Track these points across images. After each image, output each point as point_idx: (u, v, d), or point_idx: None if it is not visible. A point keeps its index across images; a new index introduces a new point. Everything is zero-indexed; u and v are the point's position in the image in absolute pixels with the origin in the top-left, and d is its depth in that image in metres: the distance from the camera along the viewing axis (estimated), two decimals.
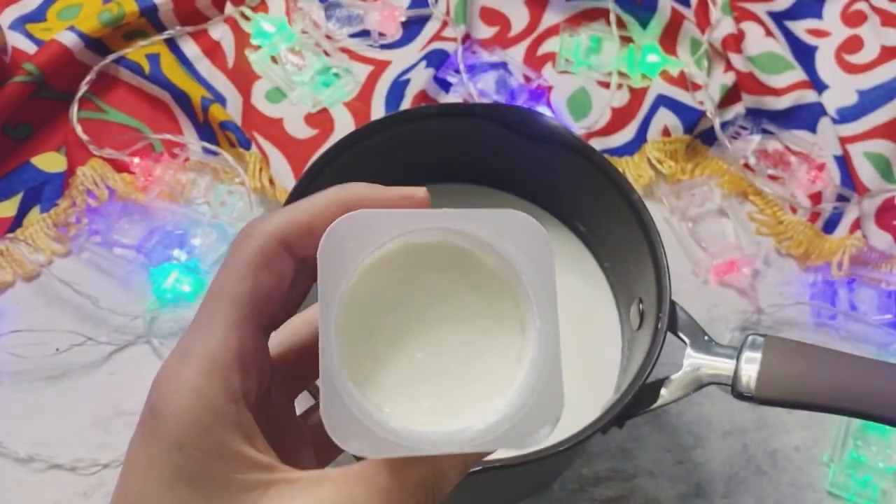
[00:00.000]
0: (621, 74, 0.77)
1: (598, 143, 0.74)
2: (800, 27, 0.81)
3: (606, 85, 0.77)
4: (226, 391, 0.28)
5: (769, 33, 0.78)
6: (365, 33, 0.78)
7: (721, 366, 0.54)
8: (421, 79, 0.75)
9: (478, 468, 0.49)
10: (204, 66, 0.77)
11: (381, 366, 0.30)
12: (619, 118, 0.76)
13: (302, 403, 0.35)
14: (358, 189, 0.31)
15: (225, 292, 0.30)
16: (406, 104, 0.74)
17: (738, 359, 0.54)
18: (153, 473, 0.28)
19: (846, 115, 0.77)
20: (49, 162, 0.73)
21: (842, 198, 0.73)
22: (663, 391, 0.55)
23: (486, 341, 0.31)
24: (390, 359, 0.30)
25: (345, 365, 0.28)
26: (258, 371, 0.30)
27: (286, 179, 0.71)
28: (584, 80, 0.77)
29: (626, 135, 0.75)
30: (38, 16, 0.78)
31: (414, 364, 0.31)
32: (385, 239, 0.29)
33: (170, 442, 0.28)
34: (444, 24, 0.78)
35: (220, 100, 0.74)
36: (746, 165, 0.74)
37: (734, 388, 0.54)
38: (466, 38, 0.77)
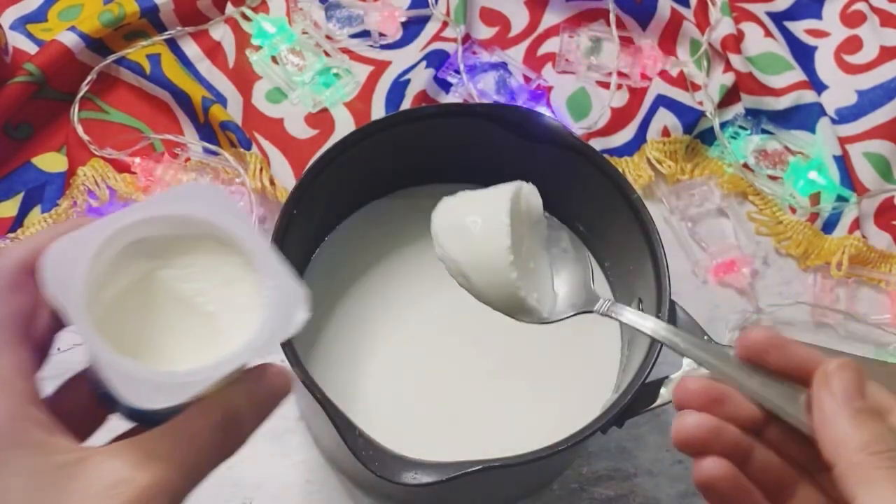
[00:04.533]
0: (621, 74, 0.77)
1: (597, 144, 0.74)
2: (799, 27, 0.81)
3: (606, 85, 0.77)
4: (16, 398, 0.33)
5: (768, 34, 0.78)
6: (365, 34, 0.79)
7: None
8: (421, 79, 0.75)
9: (478, 468, 0.49)
10: (205, 66, 0.77)
11: (150, 337, 0.36)
12: (619, 118, 0.76)
13: None
14: (77, 221, 0.36)
15: None
16: (406, 104, 0.74)
17: None
18: None
19: (845, 116, 0.77)
20: (50, 162, 0.73)
21: (841, 198, 0.73)
22: (663, 390, 0.55)
23: (229, 290, 0.37)
24: (156, 330, 0.36)
25: (115, 347, 0.33)
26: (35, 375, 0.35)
27: (287, 179, 0.71)
28: (583, 81, 0.77)
29: (625, 135, 0.75)
30: (38, 16, 0.78)
31: (175, 327, 0.37)
32: (95, 243, 0.34)
33: None
34: (444, 24, 0.79)
35: (221, 100, 0.74)
36: (746, 165, 0.74)
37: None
38: (466, 38, 0.78)
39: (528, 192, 0.52)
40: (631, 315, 0.47)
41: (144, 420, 0.36)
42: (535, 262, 0.52)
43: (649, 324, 0.46)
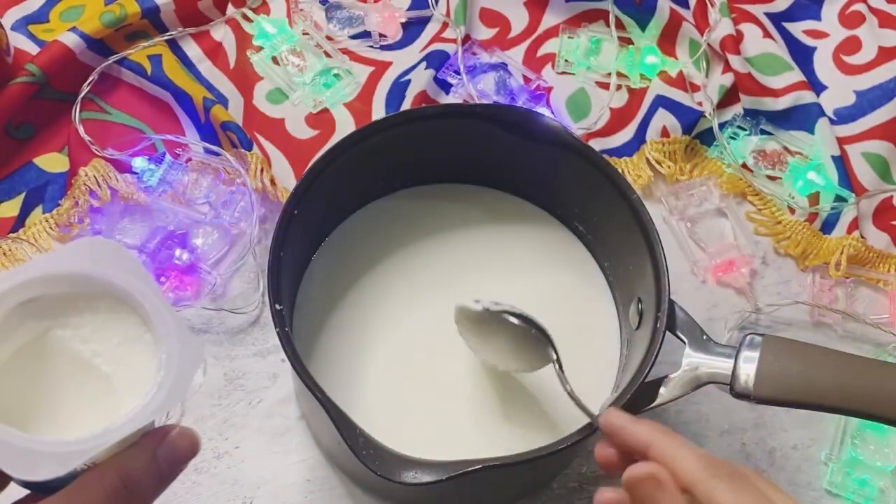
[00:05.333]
0: (620, 75, 0.77)
1: (597, 144, 0.74)
2: (798, 28, 0.81)
3: (606, 86, 0.77)
4: None
5: (767, 34, 0.79)
6: (366, 34, 0.79)
7: (719, 365, 0.55)
8: (421, 80, 0.75)
9: (478, 467, 0.49)
10: (206, 66, 0.77)
11: (43, 401, 0.34)
12: (619, 119, 0.76)
13: None
14: None
15: None
16: (406, 105, 0.74)
17: (736, 358, 0.54)
18: None
19: (844, 116, 0.77)
20: (51, 162, 0.73)
21: (840, 198, 0.73)
22: (662, 390, 0.55)
23: (126, 349, 0.36)
24: (50, 393, 0.35)
25: (1, 413, 0.32)
26: None
27: (287, 180, 0.71)
28: (583, 81, 0.78)
29: (625, 135, 0.75)
30: (40, 17, 0.78)
31: (70, 389, 0.35)
32: None
33: None
34: (445, 25, 0.79)
35: (222, 100, 0.74)
36: (745, 166, 0.74)
37: (732, 387, 0.54)
38: (466, 39, 0.78)
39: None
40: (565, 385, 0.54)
41: (39, 488, 0.34)
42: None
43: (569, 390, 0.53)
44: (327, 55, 0.77)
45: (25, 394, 0.34)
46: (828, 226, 0.73)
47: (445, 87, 0.77)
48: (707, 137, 0.76)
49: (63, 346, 0.36)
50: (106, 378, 0.36)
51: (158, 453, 0.34)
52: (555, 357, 0.55)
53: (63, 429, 0.34)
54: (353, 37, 0.79)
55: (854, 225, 0.71)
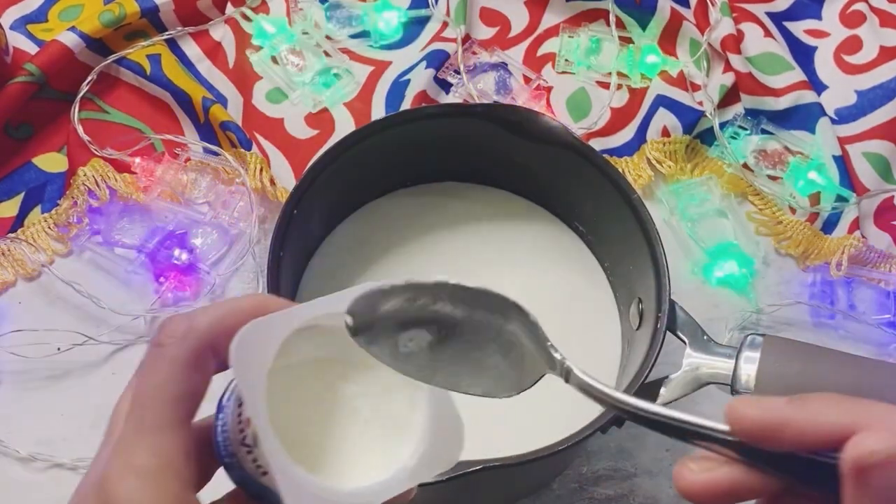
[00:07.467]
0: (621, 75, 0.77)
1: (597, 144, 0.74)
2: (799, 28, 0.81)
3: (606, 85, 0.77)
4: (180, 482, 0.31)
5: (768, 34, 0.78)
6: (365, 34, 0.79)
7: (720, 365, 0.54)
8: (421, 79, 0.75)
9: (478, 468, 0.49)
10: (205, 66, 0.77)
11: (315, 443, 0.35)
12: (619, 118, 0.76)
13: None
14: (267, 299, 0.35)
15: (167, 393, 0.32)
16: (406, 104, 0.74)
17: (737, 358, 0.54)
18: None
19: (845, 116, 0.77)
20: (50, 162, 0.73)
21: (840, 198, 0.73)
22: (662, 391, 0.55)
23: (386, 398, 0.36)
24: (317, 436, 0.35)
25: (288, 453, 0.31)
26: (196, 459, 0.33)
27: (287, 179, 0.71)
28: (583, 81, 0.77)
29: (625, 135, 0.75)
30: (39, 16, 0.78)
31: (327, 425, 0.35)
32: (283, 334, 0.33)
33: None
34: (444, 24, 0.79)
35: (221, 100, 0.74)
36: (745, 166, 0.74)
37: (733, 387, 0.54)
38: (466, 38, 0.78)
39: None
40: (587, 379, 0.36)
41: None
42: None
43: (606, 390, 0.35)
44: (327, 55, 0.77)
45: (286, 420, 0.34)
46: (829, 226, 0.72)
47: (445, 86, 0.76)
48: (708, 137, 0.76)
49: (329, 380, 0.36)
50: (363, 423, 0.36)
51: None
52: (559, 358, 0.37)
53: (315, 465, 0.34)
54: (353, 36, 0.78)
55: (855, 225, 0.71)
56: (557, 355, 0.35)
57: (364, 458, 0.35)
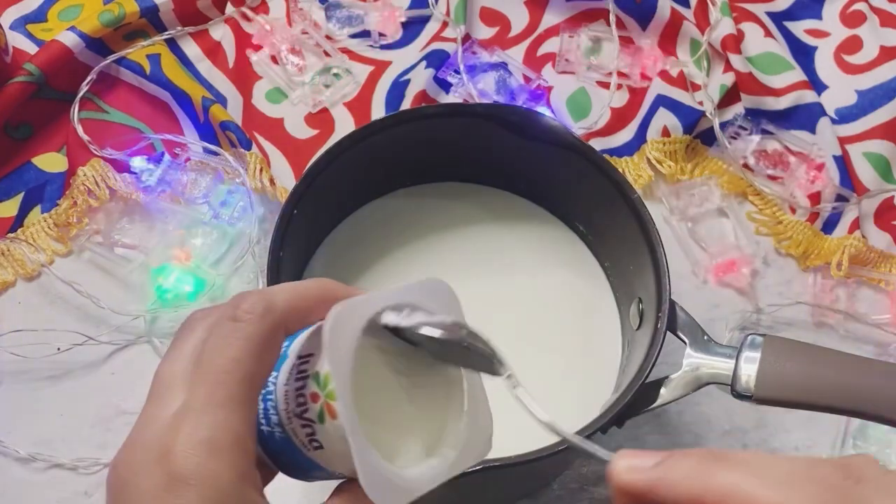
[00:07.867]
0: (621, 74, 0.77)
1: (597, 144, 0.74)
2: (799, 27, 0.81)
3: (606, 85, 0.77)
4: (248, 460, 0.32)
5: (768, 34, 0.78)
6: (365, 34, 0.78)
7: (720, 365, 0.54)
8: (421, 79, 0.75)
9: (477, 467, 0.49)
10: (205, 66, 0.77)
11: (383, 430, 0.36)
12: (619, 118, 0.76)
13: None
14: (333, 283, 0.36)
15: (243, 370, 0.33)
16: (406, 104, 0.74)
17: (737, 358, 0.54)
18: None
19: (845, 116, 0.77)
20: (50, 162, 0.73)
21: (841, 198, 0.73)
22: (663, 391, 0.55)
23: (430, 392, 0.37)
24: (385, 422, 0.36)
25: (368, 439, 0.33)
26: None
27: (287, 179, 0.71)
28: (583, 81, 0.77)
29: (625, 135, 0.75)
30: (38, 16, 0.78)
31: (403, 425, 0.37)
32: (366, 317, 0.34)
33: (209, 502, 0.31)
34: (444, 24, 0.79)
35: (221, 100, 0.74)
36: (746, 165, 0.74)
37: (733, 387, 0.54)
38: (466, 38, 0.78)
39: None
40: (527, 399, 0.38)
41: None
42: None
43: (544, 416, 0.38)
44: (327, 54, 0.77)
45: (367, 409, 0.35)
46: (829, 226, 0.72)
47: (445, 86, 0.76)
48: (708, 137, 0.76)
49: (382, 359, 0.37)
50: (411, 410, 0.37)
51: None
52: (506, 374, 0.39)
53: (386, 455, 0.35)
54: (353, 36, 0.78)
55: (855, 225, 0.71)
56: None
57: (409, 446, 0.36)
